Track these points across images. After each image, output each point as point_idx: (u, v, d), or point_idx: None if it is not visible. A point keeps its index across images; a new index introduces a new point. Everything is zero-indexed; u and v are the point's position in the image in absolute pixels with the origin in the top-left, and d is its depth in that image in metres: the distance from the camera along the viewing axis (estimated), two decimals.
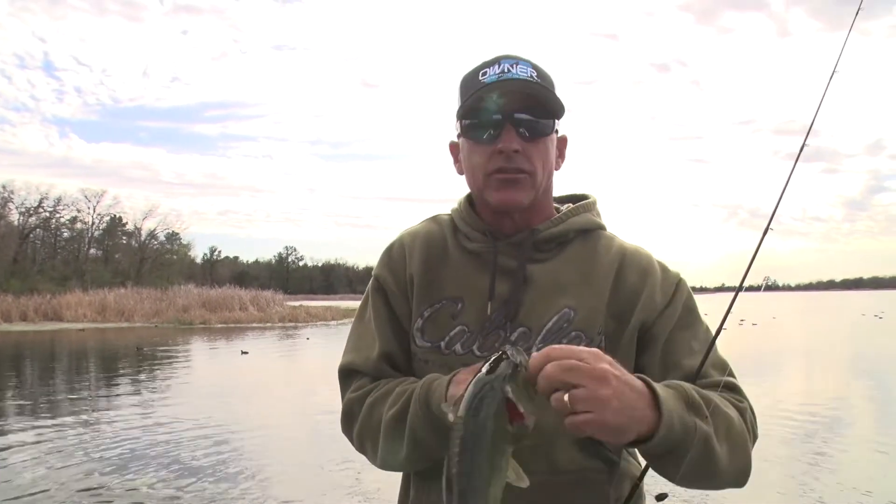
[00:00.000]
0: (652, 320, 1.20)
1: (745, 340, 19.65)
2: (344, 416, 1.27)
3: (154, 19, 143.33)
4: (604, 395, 0.87)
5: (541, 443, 1.07)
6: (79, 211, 54.85)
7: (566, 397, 0.87)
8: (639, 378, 0.96)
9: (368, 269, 1.44)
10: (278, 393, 11.95)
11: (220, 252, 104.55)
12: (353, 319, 1.35)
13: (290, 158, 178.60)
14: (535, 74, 1.19)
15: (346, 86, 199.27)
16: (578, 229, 1.26)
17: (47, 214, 52.61)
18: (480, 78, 1.19)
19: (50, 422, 8.86)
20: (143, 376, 14.44)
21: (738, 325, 24.77)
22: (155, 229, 59.43)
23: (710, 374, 1.15)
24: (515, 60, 1.20)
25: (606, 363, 0.90)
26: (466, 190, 1.30)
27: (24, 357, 19.53)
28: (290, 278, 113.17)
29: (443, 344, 1.22)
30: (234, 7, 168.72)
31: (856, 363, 15.81)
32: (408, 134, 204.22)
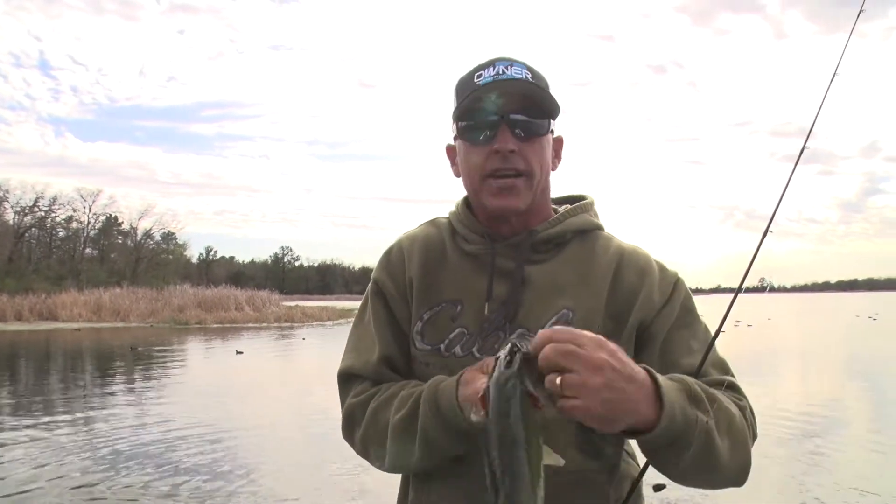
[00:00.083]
0: (650, 319, 1.20)
1: (740, 342, 19.68)
2: (345, 421, 1.26)
3: (150, 18, 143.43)
4: (594, 383, 0.88)
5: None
6: (74, 210, 54.77)
7: (558, 380, 0.88)
8: (644, 369, 0.97)
9: (365, 270, 1.44)
10: (273, 393, 11.91)
11: (216, 252, 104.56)
12: (349, 320, 1.35)
13: (287, 158, 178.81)
14: (529, 75, 1.20)
15: (343, 86, 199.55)
16: (576, 230, 1.27)
17: (43, 214, 52.56)
18: (476, 80, 1.20)
19: (44, 420, 8.83)
20: (137, 376, 14.41)
21: (733, 326, 24.66)
22: (151, 229, 59.41)
23: (710, 373, 1.15)
24: (510, 62, 1.21)
25: (606, 353, 0.91)
26: (463, 191, 1.30)
27: (18, 357, 19.45)
28: (286, 278, 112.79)
29: (442, 346, 1.22)
30: (231, 7, 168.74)
31: (850, 364, 15.86)
32: (405, 134, 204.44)
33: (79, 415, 9.39)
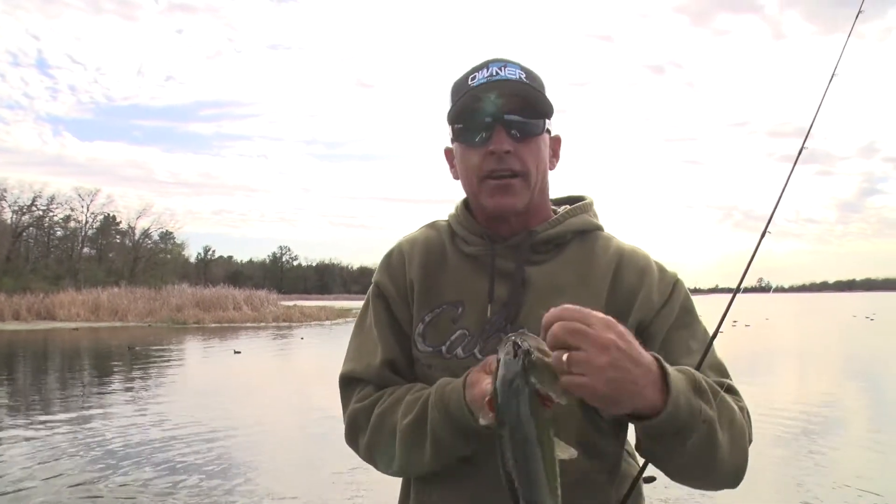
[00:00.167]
0: (649, 319, 1.20)
1: (738, 342, 19.71)
2: (348, 427, 1.25)
3: (149, 18, 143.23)
4: (600, 362, 0.88)
5: None
6: (72, 209, 54.77)
7: (565, 357, 0.88)
8: (651, 355, 0.97)
9: (363, 269, 1.45)
10: (272, 392, 11.91)
11: (214, 251, 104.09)
12: (347, 319, 1.36)
13: (285, 158, 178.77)
14: (523, 76, 1.20)
15: (342, 85, 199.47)
16: (576, 230, 1.27)
17: (40, 213, 52.50)
18: (470, 82, 1.20)
19: (42, 420, 8.82)
20: (135, 375, 14.39)
21: (731, 326, 24.84)
22: (149, 228, 59.44)
23: (707, 376, 1.15)
24: (504, 63, 1.21)
25: (614, 334, 0.91)
26: (461, 190, 1.30)
27: (16, 356, 19.42)
28: (284, 278, 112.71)
29: (444, 348, 1.22)
30: (229, 6, 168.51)
31: (848, 364, 15.89)
32: (403, 134, 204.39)
33: (76, 414, 9.38)
